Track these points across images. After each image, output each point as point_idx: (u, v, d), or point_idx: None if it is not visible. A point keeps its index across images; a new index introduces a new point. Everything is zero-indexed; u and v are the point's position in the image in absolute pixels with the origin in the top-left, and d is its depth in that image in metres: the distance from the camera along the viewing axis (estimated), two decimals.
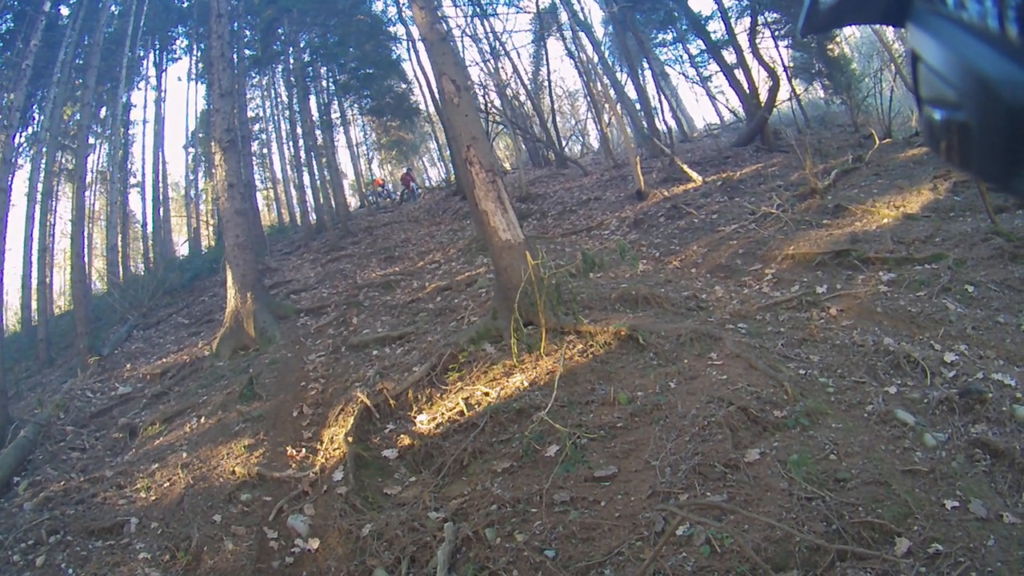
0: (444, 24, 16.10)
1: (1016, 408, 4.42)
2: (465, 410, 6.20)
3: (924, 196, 10.76)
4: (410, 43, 24.62)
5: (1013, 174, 0.56)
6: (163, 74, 27.27)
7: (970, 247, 8.16)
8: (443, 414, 6.29)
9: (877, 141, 15.96)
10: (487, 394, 6.41)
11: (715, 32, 23.47)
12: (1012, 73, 0.53)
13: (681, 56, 28.18)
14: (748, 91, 21.36)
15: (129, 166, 26.74)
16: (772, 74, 20.82)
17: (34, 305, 20.03)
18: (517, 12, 28.65)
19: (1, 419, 8.91)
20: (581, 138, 39.08)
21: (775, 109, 21.54)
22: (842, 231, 10.15)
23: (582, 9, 28.99)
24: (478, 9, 27.00)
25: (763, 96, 20.91)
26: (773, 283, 8.83)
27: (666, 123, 28.13)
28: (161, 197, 27.04)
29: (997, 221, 8.58)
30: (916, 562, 3.45)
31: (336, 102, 27.87)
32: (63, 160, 23.52)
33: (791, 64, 24.39)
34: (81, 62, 20.26)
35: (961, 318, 6.34)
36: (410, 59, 31.18)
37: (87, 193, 22.40)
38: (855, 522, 3.74)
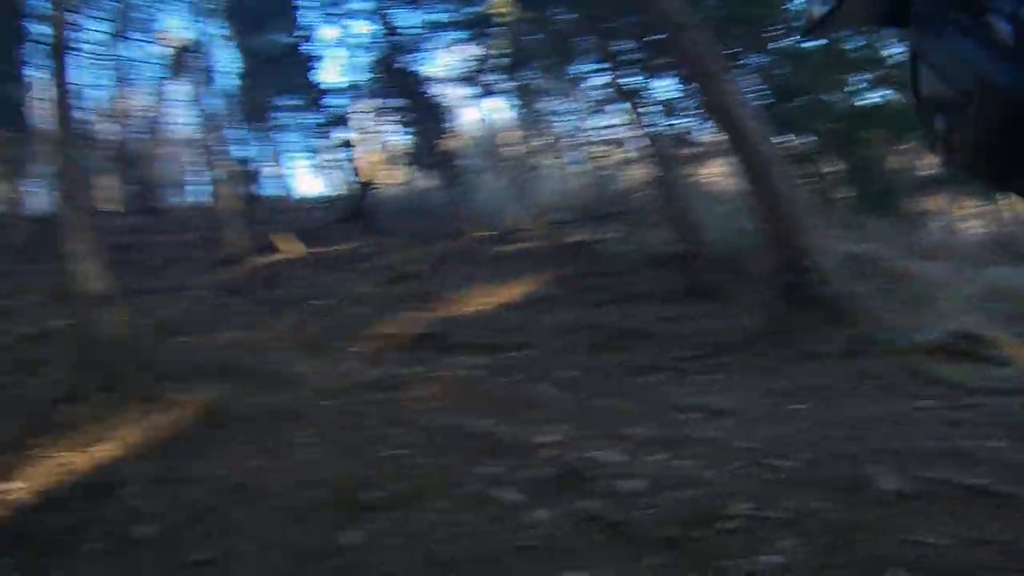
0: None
1: (624, 483, 4.56)
2: (53, 481, 5.50)
3: (522, 288, 11.68)
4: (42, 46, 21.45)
5: (1012, 174, 0.58)
6: None
7: (565, 337, 8.85)
8: (28, 485, 5.47)
9: (479, 233, 17.18)
10: (72, 464, 5.78)
11: (338, 107, 23.96)
12: (1011, 74, 0.53)
13: (301, 125, 28.20)
14: (361, 169, 21.94)
15: None
16: (384, 157, 21.68)
17: None
18: (152, 43, 26.36)
19: None
20: (188, 191, 36.97)
21: (384, 192, 22.41)
22: (436, 315, 10.64)
23: (216, 58, 27.82)
24: (115, 28, 24.42)
25: (373, 176, 21.62)
26: (364, 361, 8.80)
27: (275, 190, 27.86)
28: None
29: (592, 314, 9.51)
30: None
31: None
32: None
33: (405, 150, 25.64)
34: None
35: (557, 402, 6.69)
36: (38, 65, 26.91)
37: None
38: None
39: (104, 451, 5.97)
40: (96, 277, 7.46)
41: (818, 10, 0.78)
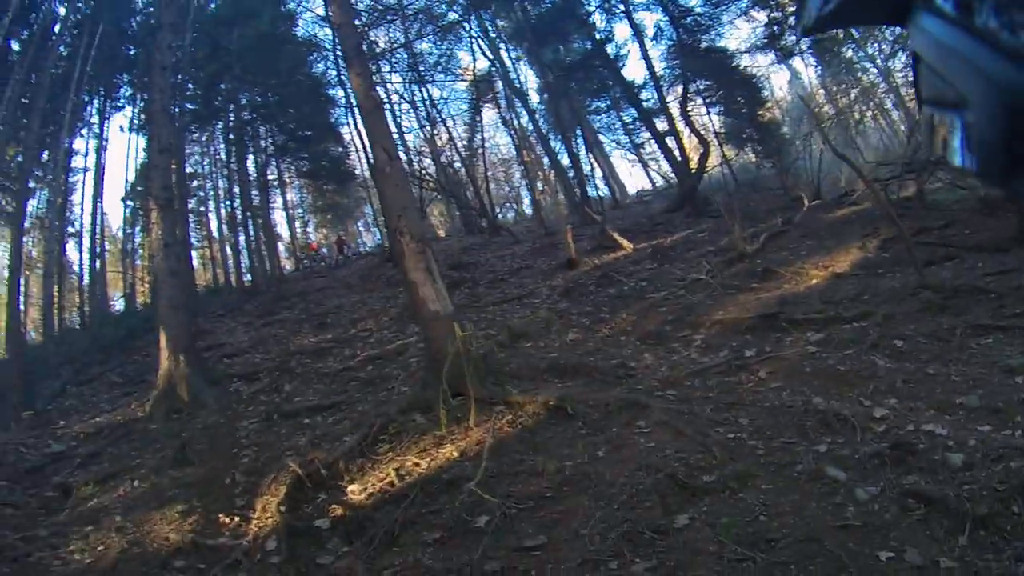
0: (381, 91, 16.31)
1: (948, 456, 4.47)
2: (396, 481, 6.29)
3: (853, 255, 11.22)
4: (348, 107, 25.70)
5: (1013, 175, 0.55)
6: (106, 122, 26.63)
7: (899, 302, 8.49)
8: (374, 485, 6.36)
9: (806, 203, 16.72)
10: (417, 465, 6.55)
11: (648, 100, 24.68)
12: (1012, 73, 0.52)
13: (614, 124, 29.01)
14: (679, 158, 22.23)
15: (68, 215, 26.06)
16: (703, 140, 21.74)
17: None
18: (454, 80, 29.26)
19: None
20: (514, 206, 39.79)
21: (706, 174, 22.43)
22: (771, 294, 10.49)
23: (517, 77, 29.93)
24: (416, 76, 27.64)
25: (694, 162, 21.69)
26: (702, 348, 8.95)
27: (598, 191, 28.85)
28: (99, 249, 26.39)
29: (925, 275, 8.91)
30: None
31: (274, 163, 28.28)
32: (2, 202, 23.24)
33: (722, 130, 25.38)
34: (27, 101, 20.08)
35: (890, 373, 6.47)
36: (347, 123, 31.46)
37: (24, 239, 21.48)
38: None
39: (446, 453, 6.66)
40: (436, 298, 8.28)
41: (819, 8, 0.77)
